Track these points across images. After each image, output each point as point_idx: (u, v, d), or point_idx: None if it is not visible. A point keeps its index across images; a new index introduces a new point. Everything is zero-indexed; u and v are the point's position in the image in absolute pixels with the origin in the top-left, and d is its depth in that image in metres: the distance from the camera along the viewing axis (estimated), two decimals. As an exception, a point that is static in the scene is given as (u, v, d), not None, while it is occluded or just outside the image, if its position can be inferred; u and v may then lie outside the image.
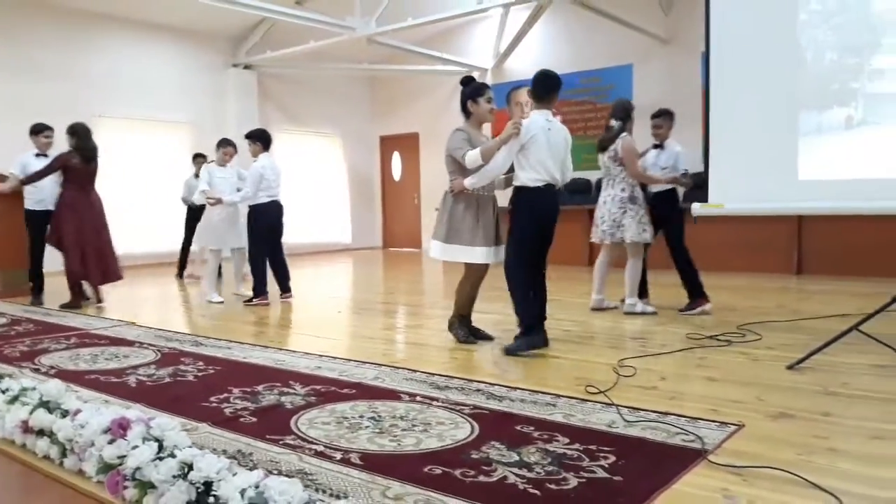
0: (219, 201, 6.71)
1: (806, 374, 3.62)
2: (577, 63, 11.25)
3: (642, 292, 5.73)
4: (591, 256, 9.67)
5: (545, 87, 4.33)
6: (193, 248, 9.29)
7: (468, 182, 4.33)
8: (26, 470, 2.55)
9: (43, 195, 6.85)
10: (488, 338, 4.64)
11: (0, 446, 2.73)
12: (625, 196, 5.51)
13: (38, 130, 7.00)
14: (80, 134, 6.61)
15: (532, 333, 4.23)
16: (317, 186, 13.42)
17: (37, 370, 3.99)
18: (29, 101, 9.48)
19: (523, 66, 12.03)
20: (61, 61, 10.20)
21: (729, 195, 4.39)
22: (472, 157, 4.23)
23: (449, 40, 12.94)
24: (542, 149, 4.20)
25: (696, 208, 4.57)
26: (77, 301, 6.66)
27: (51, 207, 6.78)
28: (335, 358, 4.19)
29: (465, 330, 4.64)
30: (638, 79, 10.82)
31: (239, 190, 6.86)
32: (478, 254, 4.40)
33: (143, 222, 10.79)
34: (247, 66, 12.46)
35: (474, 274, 4.57)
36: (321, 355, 4.28)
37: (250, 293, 6.78)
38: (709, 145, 4.55)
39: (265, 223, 6.67)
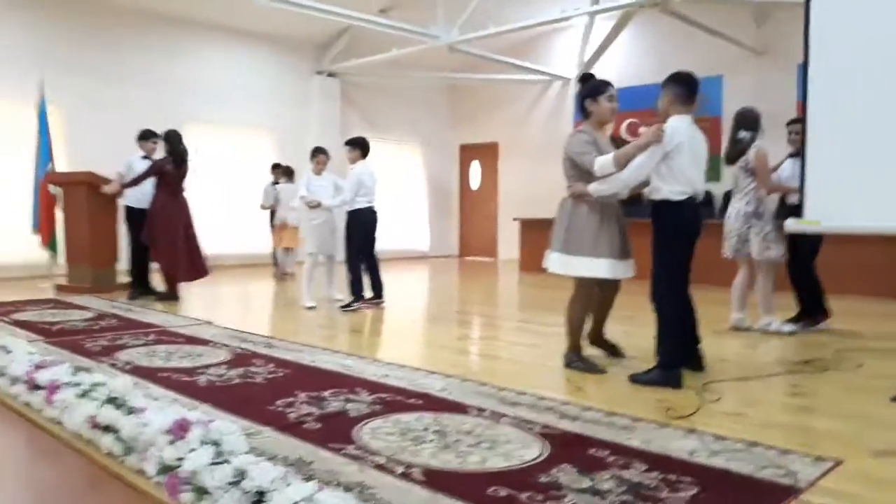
0: (319, 204, 6.74)
1: (913, 409, 3.30)
2: (664, 73, 10.73)
3: (818, 310, 5.39)
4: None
5: (693, 88, 3.89)
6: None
7: (593, 188, 3.90)
8: (91, 466, 2.56)
9: (142, 194, 7.21)
10: (620, 354, 4.31)
11: (69, 440, 2.75)
12: (749, 211, 5.20)
13: (147, 137, 7.52)
14: (172, 140, 7.05)
15: (671, 371, 3.73)
16: (396, 194, 13.46)
17: (113, 365, 4.06)
18: (129, 105, 9.91)
19: (608, 75, 11.69)
20: (152, 67, 10.56)
21: (826, 212, 4.08)
22: (604, 163, 3.79)
23: (532, 49, 12.79)
24: (687, 159, 3.76)
25: (791, 224, 4.28)
26: (173, 292, 7.04)
27: (148, 207, 7.11)
28: (403, 366, 4.10)
29: (583, 358, 4.12)
30: (728, 91, 10.39)
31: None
32: (601, 266, 3.94)
33: (226, 224, 11.03)
34: (330, 74, 12.64)
35: (590, 291, 4.10)
36: (389, 363, 4.20)
37: (341, 296, 6.92)
38: (804, 159, 4.26)
39: (362, 228, 6.72)
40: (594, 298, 4.21)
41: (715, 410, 3.25)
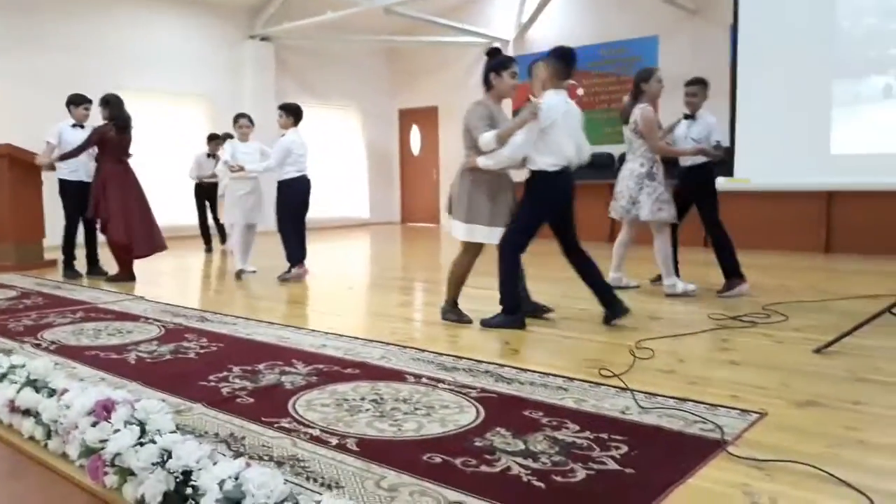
0: (241, 168, 6.45)
1: (835, 359, 3.43)
2: (600, 34, 10.93)
3: (734, 273, 5.45)
4: (613, 233, 9.46)
5: (570, 64, 4.12)
6: (221, 221, 9.33)
7: (481, 162, 4.14)
8: (12, 451, 2.46)
9: (76, 165, 6.74)
10: (548, 310, 4.53)
11: (-12, 425, 2.64)
12: (642, 172, 5.18)
13: (79, 102, 6.86)
14: (113, 104, 6.45)
15: (513, 314, 4.20)
16: (335, 160, 13.25)
17: (38, 345, 3.91)
18: (48, 73, 9.44)
19: (546, 37, 11.73)
20: (78, 32, 10.10)
21: (756, 170, 4.19)
22: (487, 139, 4.05)
23: (469, 11, 12.66)
24: (561, 133, 4.03)
25: (722, 183, 4.38)
26: (127, 272, 6.54)
27: (84, 178, 6.72)
28: (342, 336, 4.06)
29: (456, 311, 4.50)
30: (664, 51, 10.48)
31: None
32: (497, 235, 4.22)
33: (159, 195, 10.65)
34: (264, 38, 12.28)
35: (477, 253, 4.40)
36: (327, 332, 4.16)
37: (253, 269, 6.80)
38: (734, 117, 4.34)
39: (294, 198, 6.51)
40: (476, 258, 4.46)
41: (647, 368, 3.32)
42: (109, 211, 6.33)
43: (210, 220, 9.63)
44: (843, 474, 2.06)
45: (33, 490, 2.19)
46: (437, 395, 2.92)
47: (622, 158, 10.45)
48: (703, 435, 2.43)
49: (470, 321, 4.40)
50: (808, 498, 1.96)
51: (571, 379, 3.09)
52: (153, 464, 1.90)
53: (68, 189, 6.85)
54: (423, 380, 3.14)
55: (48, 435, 2.37)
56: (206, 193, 9.59)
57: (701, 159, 5.25)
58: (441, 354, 3.58)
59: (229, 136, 9.36)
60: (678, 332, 4.06)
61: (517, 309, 4.23)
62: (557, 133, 4.01)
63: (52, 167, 6.86)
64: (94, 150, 6.52)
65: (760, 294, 5.20)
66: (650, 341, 3.79)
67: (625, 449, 2.31)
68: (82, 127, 6.86)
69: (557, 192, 4.15)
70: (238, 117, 6.88)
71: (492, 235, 4.23)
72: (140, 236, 6.50)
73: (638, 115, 5.16)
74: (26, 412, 2.49)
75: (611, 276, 5.49)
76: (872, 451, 2.29)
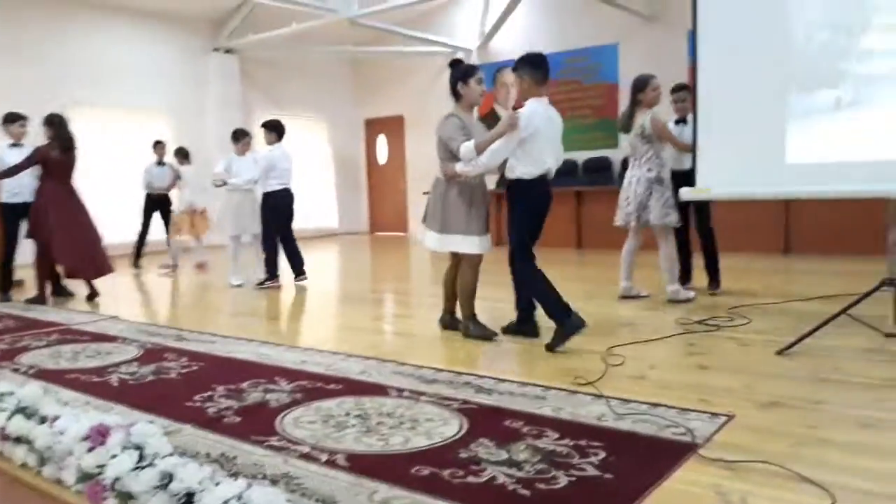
0: (224, 183, 6.85)
1: (796, 360, 3.60)
2: (562, 42, 11.15)
3: (685, 276, 5.68)
4: (580, 240, 9.64)
5: (545, 68, 4.13)
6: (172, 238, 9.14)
7: (460, 167, 4.19)
8: (6, 479, 2.49)
9: (20, 188, 6.49)
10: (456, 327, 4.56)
11: (-22, 454, 2.66)
12: (651, 177, 5.27)
13: (13, 119, 6.63)
14: (56, 124, 6.34)
15: (567, 321, 3.97)
16: (302, 171, 13.21)
17: (16, 370, 3.91)
18: (3, 87, 9.27)
19: (509, 45, 11.90)
20: (37, 47, 9.97)
21: (716, 179, 4.33)
22: (467, 149, 4.09)
23: (433, 21, 12.78)
24: (542, 142, 4.09)
25: (685, 193, 4.53)
26: (42, 296, 6.39)
27: (28, 199, 6.58)
28: (321, 351, 4.13)
29: (480, 326, 4.38)
30: (623, 57, 10.73)
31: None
32: (475, 243, 4.29)
33: (121, 212, 10.49)
34: (228, 51, 12.27)
35: (471, 264, 4.38)
36: (307, 348, 4.22)
37: (240, 282, 7.06)
38: (696, 127, 4.49)
39: (276, 210, 6.82)
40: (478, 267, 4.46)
41: (619, 374, 3.45)
42: (51, 233, 6.19)
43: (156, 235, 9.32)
44: (807, 472, 2.20)
45: (31, 517, 2.23)
46: (420, 407, 3.01)
47: (588, 165, 10.59)
48: (675, 439, 2.56)
49: (495, 334, 4.33)
50: (775, 495, 2.09)
51: (548, 388, 3.21)
52: (155, 487, 1.97)
53: (10, 212, 6.51)
54: (406, 393, 3.23)
55: (41, 462, 2.41)
56: (155, 205, 9.25)
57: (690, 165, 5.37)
58: (421, 367, 3.67)
59: (161, 143, 9.27)
60: (646, 337, 4.21)
61: (567, 314, 3.98)
62: (538, 142, 4.06)
63: None
64: (38, 170, 6.32)
65: (723, 296, 5.39)
66: (620, 347, 3.93)
67: (603, 455, 2.43)
68: (21, 145, 6.58)
69: (536, 198, 4.18)
70: (241, 134, 7.22)
71: (469, 244, 4.29)
72: (86, 258, 6.41)
73: (648, 120, 5.24)
74: (17, 439, 2.53)
75: (622, 286, 5.57)
76: (833, 449, 2.44)
